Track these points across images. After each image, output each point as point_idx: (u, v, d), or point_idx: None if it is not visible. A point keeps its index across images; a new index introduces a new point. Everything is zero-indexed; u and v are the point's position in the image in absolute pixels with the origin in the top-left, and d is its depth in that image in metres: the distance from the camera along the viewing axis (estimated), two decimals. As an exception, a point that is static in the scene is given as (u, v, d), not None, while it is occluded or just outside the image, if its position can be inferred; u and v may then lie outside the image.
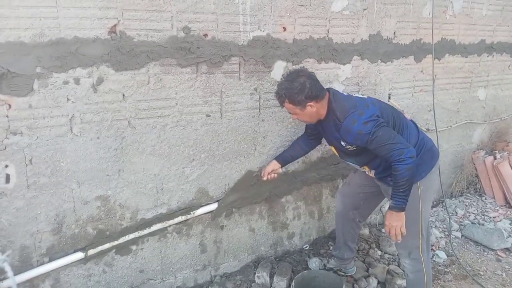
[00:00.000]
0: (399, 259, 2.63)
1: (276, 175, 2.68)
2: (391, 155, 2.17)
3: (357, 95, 2.49)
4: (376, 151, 2.24)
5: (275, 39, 2.63)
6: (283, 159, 2.69)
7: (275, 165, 2.66)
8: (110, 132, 2.24)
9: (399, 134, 2.28)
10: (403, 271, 2.59)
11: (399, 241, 2.32)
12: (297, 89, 2.19)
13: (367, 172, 2.52)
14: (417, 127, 2.52)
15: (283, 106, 2.34)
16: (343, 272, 2.94)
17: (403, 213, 2.24)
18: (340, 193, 2.87)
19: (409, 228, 2.34)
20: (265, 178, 2.66)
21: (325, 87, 2.36)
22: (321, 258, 3.07)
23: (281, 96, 2.27)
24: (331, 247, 3.22)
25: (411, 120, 2.56)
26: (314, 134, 2.63)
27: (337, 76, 3.00)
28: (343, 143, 2.31)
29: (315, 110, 2.27)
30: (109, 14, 2.08)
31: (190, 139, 2.50)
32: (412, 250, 2.44)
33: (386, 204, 3.57)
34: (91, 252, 2.32)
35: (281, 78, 2.34)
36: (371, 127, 2.17)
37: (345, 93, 2.45)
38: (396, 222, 2.25)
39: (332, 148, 2.52)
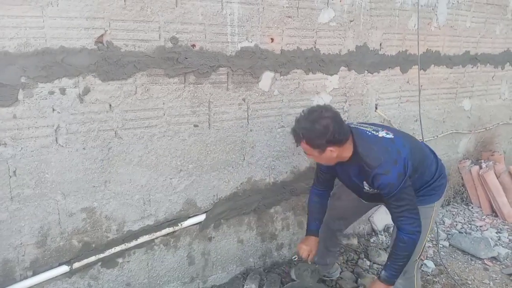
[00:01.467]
0: None
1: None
2: (402, 220, 2.04)
3: (381, 133, 2.14)
4: (389, 205, 2.08)
5: (263, 50, 2.64)
6: (316, 230, 2.46)
7: (315, 240, 2.44)
8: (96, 143, 2.21)
9: (420, 165, 2.16)
10: None
11: None
12: (319, 132, 1.95)
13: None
14: (433, 153, 2.37)
15: (298, 145, 2.10)
16: (328, 277, 2.90)
17: (390, 287, 2.14)
18: (328, 205, 2.63)
19: (417, 247, 2.27)
20: (311, 262, 2.46)
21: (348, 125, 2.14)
22: None
23: (298, 135, 2.03)
24: (320, 258, 3.21)
25: (427, 145, 2.45)
26: (327, 179, 2.40)
27: (325, 87, 3.02)
28: (366, 186, 2.13)
29: (336, 155, 2.04)
30: (96, 24, 2.07)
31: (178, 150, 2.48)
32: (409, 268, 2.32)
33: (374, 213, 3.58)
34: (76, 265, 2.28)
35: (301, 114, 2.07)
36: (401, 182, 1.98)
37: (369, 131, 2.15)
38: None
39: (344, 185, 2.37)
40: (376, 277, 2.33)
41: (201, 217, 2.67)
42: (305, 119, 2.02)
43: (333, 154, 2.03)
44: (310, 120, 1.99)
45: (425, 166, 2.22)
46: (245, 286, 2.81)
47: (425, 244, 2.40)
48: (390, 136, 2.11)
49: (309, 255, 2.42)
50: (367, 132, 2.14)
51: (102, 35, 2.09)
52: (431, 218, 2.32)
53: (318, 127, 1.96)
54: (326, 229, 2.73)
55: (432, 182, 2.27)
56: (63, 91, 2.06)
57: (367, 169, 2.03)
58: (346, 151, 2.08)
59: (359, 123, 2.32)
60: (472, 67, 4.03)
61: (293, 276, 2.93)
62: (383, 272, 2.14)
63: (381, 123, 2.41)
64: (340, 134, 1.98)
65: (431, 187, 2.28)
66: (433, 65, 3.69)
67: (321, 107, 2.08)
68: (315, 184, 2.50)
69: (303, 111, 2.10)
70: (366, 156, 2.03)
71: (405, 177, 1.99)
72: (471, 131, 4.26)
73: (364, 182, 2.12)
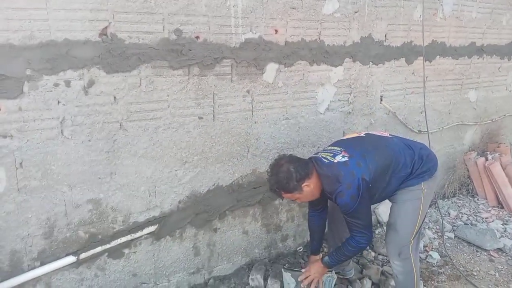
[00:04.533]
0: (388, 259, 2.63)
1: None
2: (355, 232, 2.28)
3: (337, 158, 2.27)
4: (345, 218, 2.30)
5: (267, 41, 2.64)
6: (317, 249, 2.73)
7: (318, 263, 2.53)
8: (102, 135, 2.22)
9: (391, 168, 2.30)
10: (393, 273, 2.57)
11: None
12: (286, 179, 2.19)
13: None
14: (407, 145, 2.43)
15: (283, 199, 2.37)
16: (342, 275, 2.88)
17: (326, 269, 2.48)
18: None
19: (407, 228, 2.39)
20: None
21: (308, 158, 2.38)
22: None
23: (275, 191, 2.27)
24: (325, 249, 3.21)
25: (395, 137, 2.50)
26: (317, 204, 2.56)
27: (329, 79, 3.01)
28: None
29: (313, 186, 2.26)
30: (100, 16, 2.07)
31: (183, 142, 2.49)
32: (403, 249, 2.44)
33: (379, 205, 3.58)
34: (83, 256, 2.30)
35: (267, 174, 2.34)
36: (355, 203, 2.19)
37: (326, 158, 2.30)
38: (318, 274, 2.48)
39: None
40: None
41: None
42: (270, 176, 2.28)
43: (310, 187, 2.26)
44: (274, 174, 2.26)
45: (394, 167, 2.33)
46: (250, 277, 2.82)
47: (420, 225, 2.43)
48: (345, 159, 2.27)
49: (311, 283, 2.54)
50: (324, 160, 2.31)
51: (106, 27, 2.10)
52: (422, 200, 2.38)
53: (282, 174, 2.22)
54: (337, 220, 2.69)
55: (413, 172, 2.36)
56: (68, 83, 2.07)
57: (329, 196, 2.31)
58: (317, 179, 2.29)
59: (325, 148, 2.50)
60: (478, 58, 4.00)
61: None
62: (326, 257, 2.44)
63: (345, 140, 2.51)
64: (302, 169, 2.23)
65: (414, 175, 2.37)
66: (438, 56, 3.67)
67: (276, 159, 2.34)
68: (310, 208, 2.66)
69: (267, 171, 2.35)
70: (325, 183, 2.28)
71: (358, 198, 2.19)
72: (477, 122, 4.24)
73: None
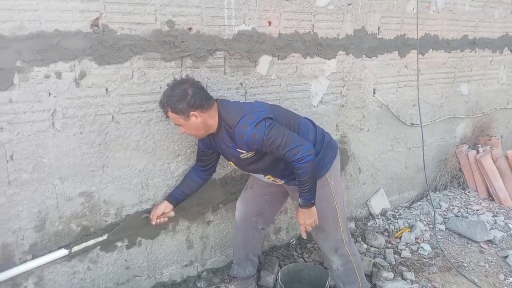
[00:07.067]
0: (325, 259, 2.53)
1: (166, 219, 2.42)
2: (288, 155, 2.06)
3: (245, 101, 2.43)
4: (273, 153, 2.12)
5: (260, 33, 2.62)
6: (174, 198, 2.42)
7: (166, 207, 2.40)
8: (94, 127, 2.20)
9: (295, 132, 2.19)
10: (331, 268, 2.50)
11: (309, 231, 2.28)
12: (178, 96, 2.04)
13: (276, 182, 2.38)
14: (313, 123, 2.43)
15: (167, 117, 2.18)
16: None
17: (314, 207, 2.20)
18: (242, 199, 2.61)
19: (329, 225, 2.35)
20: (153, 223, 2.39)
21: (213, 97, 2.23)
22: (217, 286, 2.80)
23: (163, 105, 2.11)
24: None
25: (306, 118, 2.48)
26: (207, 160, 2.41)
27: (323, 71, 3.01)
28: (240, 151, 2.16)
29: (201, 121, 2.10)
30: (91, 6, 2.04)
31: (175, 134, 2.48)
32: (338, 245, 2.40)
33: (372, 197, 3.60)
34: (75, 249, 2.29)
35: (166, 87, 2.22)
36: (264, 128, 2.06)
37: (233, 100, 2.31)
38: (310, 219, 2.22)
39: (232, 163, 2.36)
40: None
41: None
42: (168, 88, 2.16)
43: (198, 120, 2.10)
44: (170, 88, 2.13)
45: (296, 126, 2.28)
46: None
47: (344, 219, 2.40)
48: (251, 101, 2.31)
49: (152, 214, 2.42)
50: (231, 100, 2.29)
51: (97, 18, 2.07)
52: (333, 194, 2.32)
53: (177, 91, 2.07)
54: (244, 231, 2.63)
55: (315, 147, 2.25)
56: (59, 75, 2.04)
57: (230, 130, 2.12)
58: (211, 119, 2.15)
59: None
60: (470, 52, 4.02)
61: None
62: (299, 199, 2.17)
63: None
64: (200, 98, 2.08)
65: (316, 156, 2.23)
66: (431, 49, 3.68)
67: (183, 78, 2.27)
68: (196, 163, 2.49)
69: (167, 84, 2.24)
70: (227, 118, 2.14)
71: (265, 123, 2.08)
72: (468, 116, 4.27)
73: (238, 149, 2.16)
